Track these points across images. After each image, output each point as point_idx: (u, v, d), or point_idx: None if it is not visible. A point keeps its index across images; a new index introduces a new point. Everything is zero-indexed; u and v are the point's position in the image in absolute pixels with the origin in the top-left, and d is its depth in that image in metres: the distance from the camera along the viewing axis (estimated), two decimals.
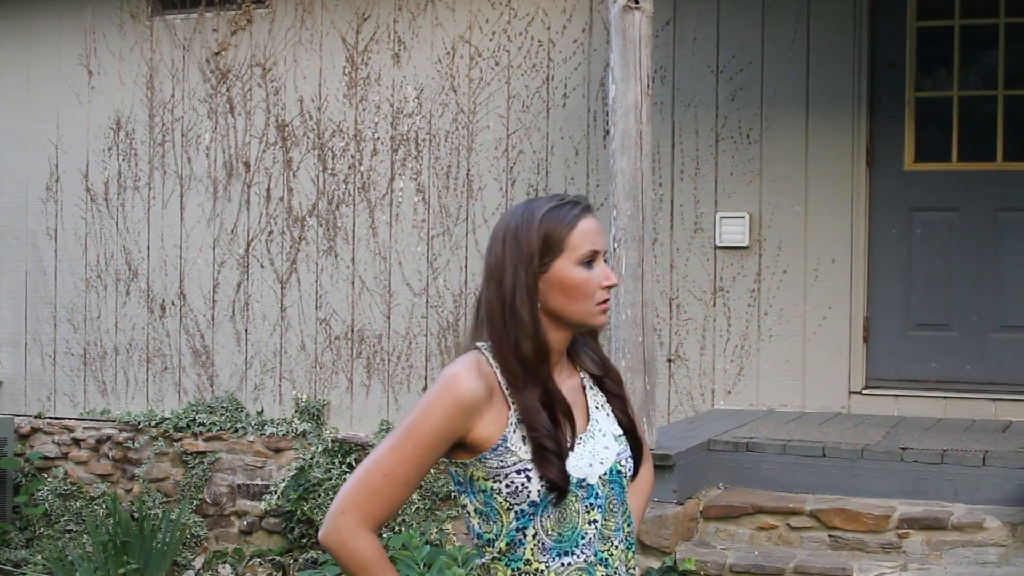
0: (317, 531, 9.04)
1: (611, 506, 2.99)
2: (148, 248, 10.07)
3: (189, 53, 9.92)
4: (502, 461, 2.93)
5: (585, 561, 2.96)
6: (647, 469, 3.30)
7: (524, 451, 2.91)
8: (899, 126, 8.33)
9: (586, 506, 2.94)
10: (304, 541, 9.19)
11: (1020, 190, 8.20)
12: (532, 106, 8.98)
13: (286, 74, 9.64)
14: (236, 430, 9.64)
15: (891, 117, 8.34)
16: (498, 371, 2.95)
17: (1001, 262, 8.26)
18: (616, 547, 3.01)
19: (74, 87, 10.27)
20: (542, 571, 2.94)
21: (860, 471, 6.90)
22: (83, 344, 10.29)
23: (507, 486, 2.93)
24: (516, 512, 2.94)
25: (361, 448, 9.22)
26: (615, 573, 3.00)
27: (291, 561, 9.17)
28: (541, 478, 2.89)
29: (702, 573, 6.38)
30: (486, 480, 2.94)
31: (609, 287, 2.98)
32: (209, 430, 9.71)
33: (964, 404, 8.17)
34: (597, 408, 3.07)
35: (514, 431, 2.93)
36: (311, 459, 9.30)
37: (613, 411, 3.09)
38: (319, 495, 9.13)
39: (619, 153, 6.65)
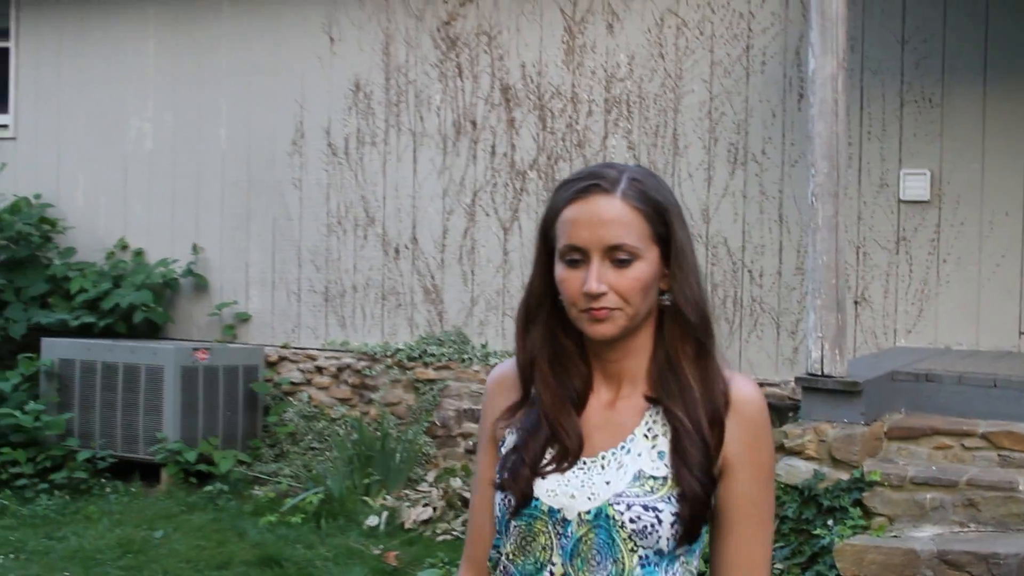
0: None
1: (588, 555, 2.51)
2: (384, 197, 11.24)
3: (421, 23, 11.04)
4: (498, 464, 2.64)
5: None
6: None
7: None
8: None
9: (557, 544, 2.53)
10: None
11: None
12: (733, 72, 9.95)
13: (509, 42, 10.71)
14: (463, 360, 10.77)
15: None
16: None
17: None
18: None
19: (317, 53, 11.45)
20: None
21: None
22: (324, 283, 11.50)
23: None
24: (496, 526, 2.64)
25: None
26: None
27: None
28: (499, 487, 2.59)
29: (885, 483, 7.34)
30: None
31: (588, 294, 2.49)
32: (438, 360, 10.85)
33: None
34: (646, 438, 2.56)
35: (512, 433, 2.64)
36: None
37: (673, 454, 2.53)
38: None
39: (817, 118, 7.63)
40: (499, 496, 2.57)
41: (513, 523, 2.55)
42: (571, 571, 2.50)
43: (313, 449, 11.11)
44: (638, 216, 2.49)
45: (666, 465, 2.51)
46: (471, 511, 2.74)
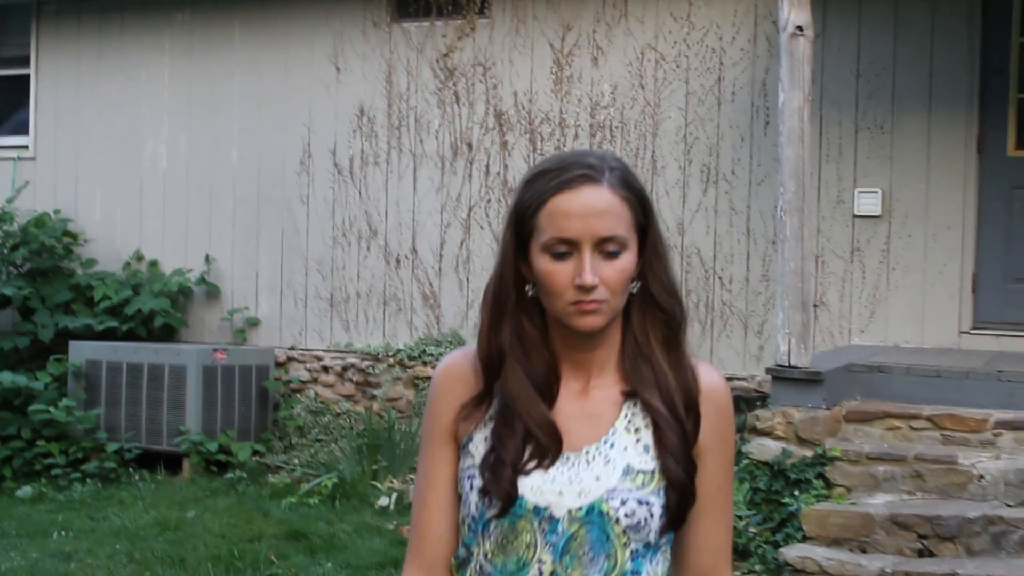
0: None
1: (578, 551, 2.45)
2: (386, 212, 12.28)
3: (422, 54, 12.13)
4: (463, 463, 2.55)
5: None
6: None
7: (480, 454, 2.52)
8: (1004, 121, 10.26)
9: (544, 541, 2.46)
10: None
11: None
12: (706, 101, 11.08)
13: (503, 72, 11.78)
14: None
15: (997, 114, 10.28)
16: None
17: None
18: None
19: (324, 81, 12.46)
20: None
21: (966, 388, 8.87)
22: (330, 290, 12.50)
23: (459, 494, 2.56)
24: (467, 524, 2.54)
25: None
26: None
27: None
28: (481, 489, 2.48)
29: (844, 459, 8.44)
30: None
31: (581, 287, 2.42)
32: (436, 359, 11.75)
33: None
34: (628, 432, 2.52)
35: (481, 429, 2.54)
36: None
37: (657, 446, 2.50)
38: None
39: (786, 145, 8.78)
40: (476, 497, 2.48)
41: (494, 523, 2.48)
42: (560, 569, 2.46)
43: (319, 441, 12.07)
44: (624, 206, 2.44)
45: (653, 458, 2.47)
46: (418, 510, 2.61)
